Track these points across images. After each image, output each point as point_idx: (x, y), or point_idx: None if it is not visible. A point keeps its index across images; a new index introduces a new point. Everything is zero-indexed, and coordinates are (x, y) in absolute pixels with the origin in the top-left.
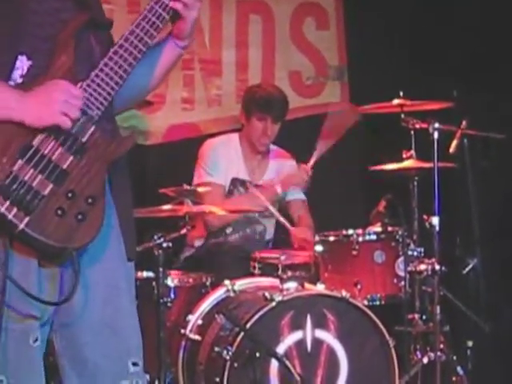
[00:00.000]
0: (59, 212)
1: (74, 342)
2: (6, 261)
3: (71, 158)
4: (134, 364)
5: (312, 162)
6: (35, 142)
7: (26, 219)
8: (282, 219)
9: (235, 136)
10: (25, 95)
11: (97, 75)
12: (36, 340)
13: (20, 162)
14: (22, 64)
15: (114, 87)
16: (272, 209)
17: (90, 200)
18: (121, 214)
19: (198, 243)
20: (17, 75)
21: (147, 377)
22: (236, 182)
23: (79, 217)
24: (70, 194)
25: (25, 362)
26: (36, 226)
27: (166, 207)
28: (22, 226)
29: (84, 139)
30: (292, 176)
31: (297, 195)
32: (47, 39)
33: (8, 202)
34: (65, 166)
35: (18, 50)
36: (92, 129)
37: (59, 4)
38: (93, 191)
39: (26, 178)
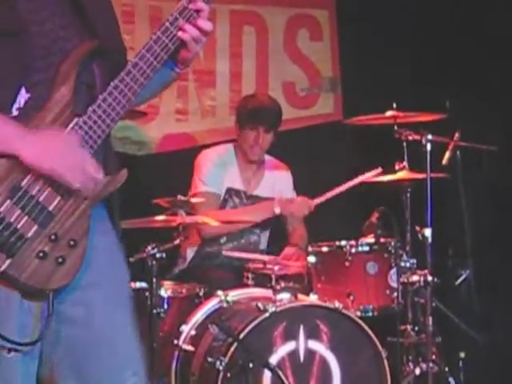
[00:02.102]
0: (40, 255)
1: (72, 357)
2: None
3: (58, 198)
4: (134, 374)
5: (318, 201)
6: (25, 183)
7: (8, 261)
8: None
9: (230, 146)
10: (28, 134)
11: (94, 111)
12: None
13: (8, 202)
14: (20, 96)
15: (110, 124)
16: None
17: (71, 243)
18: (118, 234)
19: (191, 252)
20: (13, 108)
21: None
22: (231, 192)
23: (59, 260)
24: (53, 237)
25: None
26: (16, 268)
27: (160, 218)
28: (3, 267)
29: None
30: (294, 204)
31: None
32: (48, 70)
33: None
34: (51, 208)
35: (20, 83)
36: None
37: (64, 33)
38: (75, 234)
39: (12, 219)
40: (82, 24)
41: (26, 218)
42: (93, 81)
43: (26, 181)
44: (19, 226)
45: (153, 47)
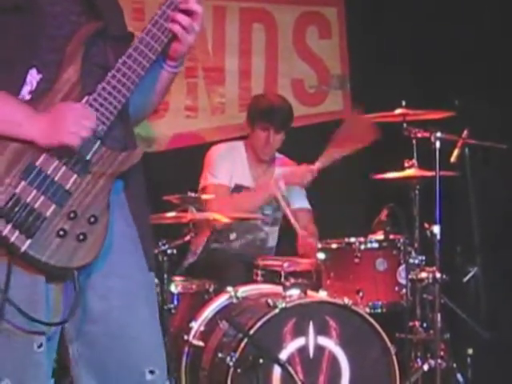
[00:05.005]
0: (61, 233)
1: (91, 351)
2: (6, 282)
3: (74, 176)
4: (152, 372)
5: (319, 164)
6: (39, 163)
7: (28, 242)
8: (291, 216)
9: (241, 143)
10: (35, 113)
11: (103, 88)
12: (40, 345)
13: (23, 183)
14: (32, 78)
15: (121, 100)
16: (282, 203)
17: (92, 219)
18: (139, 224)
19: (200, 247)
20: (25, 91)
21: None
22: (240, 189)
23: (80, 237)
24: (72, 215)
25: (30, 367)
26: (38, 247)
27: (171, 214)
28: (23, 248)
29: (88, 157)
30: (295, 173)
31: (302, 204)
32: (59, 51)
33: (10, 226)
34: (67, 187)
35: (30, 63)
36: (97, 145)
37: (76, 18)
38: (95, 210)
39: (29, 199)
40: (93, 12)
41: (42, 197)
42: (107, 63)
43: (40, 161)
44: (36, 206)
45: (145, 38)
